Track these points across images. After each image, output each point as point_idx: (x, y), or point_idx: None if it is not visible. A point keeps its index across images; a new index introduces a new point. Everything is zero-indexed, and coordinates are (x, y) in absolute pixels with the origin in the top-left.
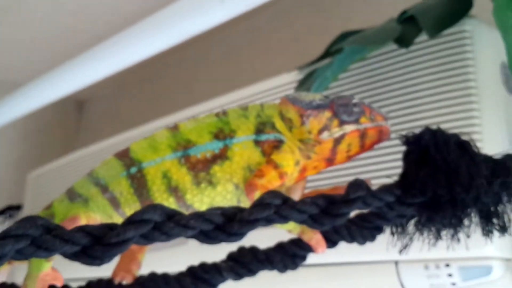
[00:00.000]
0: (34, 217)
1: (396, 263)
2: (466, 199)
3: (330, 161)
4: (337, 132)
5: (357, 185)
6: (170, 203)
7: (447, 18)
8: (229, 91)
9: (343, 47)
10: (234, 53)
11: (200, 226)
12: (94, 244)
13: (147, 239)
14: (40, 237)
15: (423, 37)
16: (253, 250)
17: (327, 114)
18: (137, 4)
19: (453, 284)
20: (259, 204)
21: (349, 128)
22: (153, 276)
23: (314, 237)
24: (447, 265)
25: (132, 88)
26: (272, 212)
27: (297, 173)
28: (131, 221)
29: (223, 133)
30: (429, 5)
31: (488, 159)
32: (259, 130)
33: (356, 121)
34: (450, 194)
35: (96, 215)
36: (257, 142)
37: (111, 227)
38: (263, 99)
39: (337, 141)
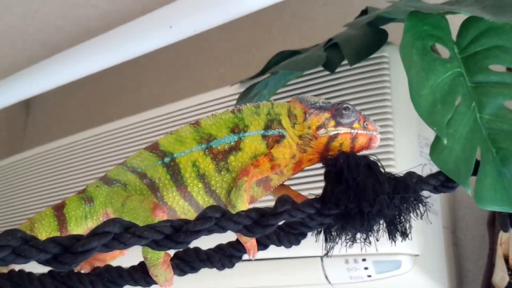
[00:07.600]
0: (14, 230)
1: (321, 258)
2: (371, 211)
3: (323, 156)
4: (332, 131)
5: (284, 201)
6: (200, 188)
7: (365, 48)
8: (176, 99)
9: (278, 70)
10: (181, 60)
11: (153, 236)
12: (64, 252)
13: (108, 247)
14: (19, 247)
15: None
16: (196, 250)
17: (326, 114)
18: (85, 10)
19: (369, 276)
20: (202, 218)
21: (343, 129)
22: (108, 268)
23: (250, 241)
24: (364, 260)
25: (80, 89)
26: (213, 224)
27: (292, 164)
28: (94, 233)
29: (238, 128)
30: (351, 35)
31: (391, 177)
32: (267, 126)
33: (350, 126)
34: (358, 208)
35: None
36: (264, 136)
37: (77, 238)
38: (207, 109)
39: (331, 138)
